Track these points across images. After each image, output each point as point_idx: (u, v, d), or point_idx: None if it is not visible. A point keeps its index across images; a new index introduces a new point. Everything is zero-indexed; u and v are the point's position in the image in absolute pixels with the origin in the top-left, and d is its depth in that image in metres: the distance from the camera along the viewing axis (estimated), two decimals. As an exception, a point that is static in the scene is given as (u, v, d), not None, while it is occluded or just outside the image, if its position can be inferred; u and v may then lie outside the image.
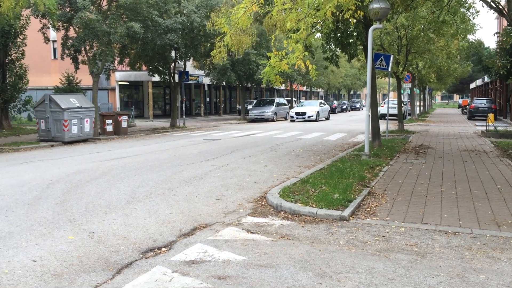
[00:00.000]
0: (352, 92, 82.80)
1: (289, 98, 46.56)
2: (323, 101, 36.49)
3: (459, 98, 77.90)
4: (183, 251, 4.85)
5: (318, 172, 9.29)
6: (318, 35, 15.51)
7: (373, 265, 4.37)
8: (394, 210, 6.41)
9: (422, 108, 45.25)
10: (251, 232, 5.51)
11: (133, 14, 19.02)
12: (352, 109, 60.44)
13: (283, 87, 52.76)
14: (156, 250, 4.95)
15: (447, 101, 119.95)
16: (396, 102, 25.77)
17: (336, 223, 5.90)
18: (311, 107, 32.31)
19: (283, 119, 34.88)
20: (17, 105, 23.52)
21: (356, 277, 4.09)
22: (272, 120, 32.27)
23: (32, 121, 27.89)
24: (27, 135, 19.79)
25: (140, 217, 6.26)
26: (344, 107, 56.00)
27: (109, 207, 6.85)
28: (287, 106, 36.80)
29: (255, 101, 40.50)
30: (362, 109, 59.77)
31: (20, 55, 22.66)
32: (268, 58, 9.20)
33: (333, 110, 50.84)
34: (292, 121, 30.96)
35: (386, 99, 20.60)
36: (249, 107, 37.13)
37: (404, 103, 31.37)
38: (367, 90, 11.75)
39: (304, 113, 31.09)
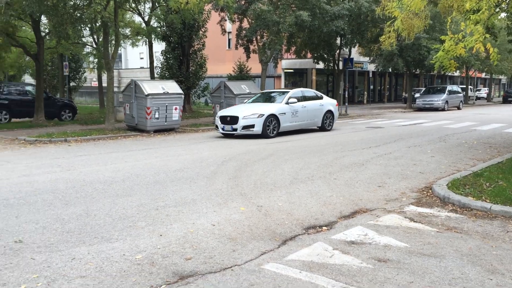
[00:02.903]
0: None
1: (464, 86, 42.52)
2: (310, 92, 17.37)
3: None
4: (344, 231, 5.00)
5: (494, 166, 8.44)
6: (503, 14, 13.83)
7: (558, 270, 3.89)
8: None
9: None
10: (414, 221, 5.37)
11: (302, 3, 19.61)
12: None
13: (457, 73, 48.41)
14: (317, 228, 5.19)
15: None
16: None
17: (514, 221, 5.34)
18: (257, 107, 14.84)
19: (456, 108, 32.09)
20: (197, 91, 26.38)
21: (535, 279, 3.70)
22: (443, 109, 29.95)
23: (208, 105, 31.00)
24: (204, 118, 22.13)
25: (303, 197, 6.59)
26: (531, 96, 48.70)
27: (274, 185, 7.36)
28: (461, 95, 33.69)
29: (423, 88, 38.08)
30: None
31: (201, 46, 25.29)
32: (442, 42, 8.62)
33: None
34: (225, 135, 14.81)
35: None
36: (417, 95, 35.10)
37: None
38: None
39: (234, 120, 14.27)
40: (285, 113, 14.85)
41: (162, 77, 24.44)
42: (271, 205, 6.11)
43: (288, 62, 36.22)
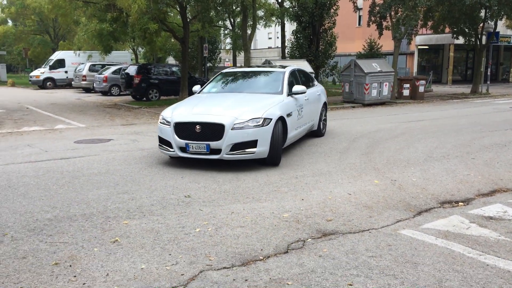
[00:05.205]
0: None
1: None
2: (302, 70, 10.02)
3: None
4: (481, 208, 5.06)
5: None
6: None
7: None
8: None
9: None
10: (562, 203, 5.17)
11: (441, -26, 18.48)
12: None
13: None
14: (453, 203, 5.30)
15: None
16: None
17: None
18: (245, 101, 7.58)
19: None
20: (326, 70, 26.50)
21: None
22: None
23: (336, 84, 30.95)
24: (332, 97, 22.27)
25: (437, 174, 6.65)
26: None
27: (407, 162, 7.49)
28: None
29: None
30: None
31: (332, 24, 25.26)
32: None
33: None
34: (185, 159, 7.51)
35: None
36: None
37: None
38: None
39: (212, 131, 6.81)
40: (291, 114, 7.93)
41: (292, 56, 25.09)
42: (404, 180, 6.32)
43: (422, 38, 34.26)
